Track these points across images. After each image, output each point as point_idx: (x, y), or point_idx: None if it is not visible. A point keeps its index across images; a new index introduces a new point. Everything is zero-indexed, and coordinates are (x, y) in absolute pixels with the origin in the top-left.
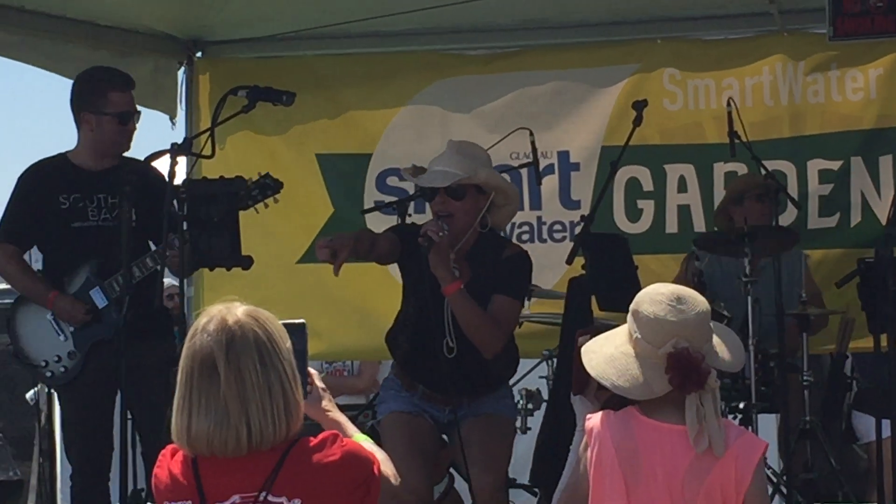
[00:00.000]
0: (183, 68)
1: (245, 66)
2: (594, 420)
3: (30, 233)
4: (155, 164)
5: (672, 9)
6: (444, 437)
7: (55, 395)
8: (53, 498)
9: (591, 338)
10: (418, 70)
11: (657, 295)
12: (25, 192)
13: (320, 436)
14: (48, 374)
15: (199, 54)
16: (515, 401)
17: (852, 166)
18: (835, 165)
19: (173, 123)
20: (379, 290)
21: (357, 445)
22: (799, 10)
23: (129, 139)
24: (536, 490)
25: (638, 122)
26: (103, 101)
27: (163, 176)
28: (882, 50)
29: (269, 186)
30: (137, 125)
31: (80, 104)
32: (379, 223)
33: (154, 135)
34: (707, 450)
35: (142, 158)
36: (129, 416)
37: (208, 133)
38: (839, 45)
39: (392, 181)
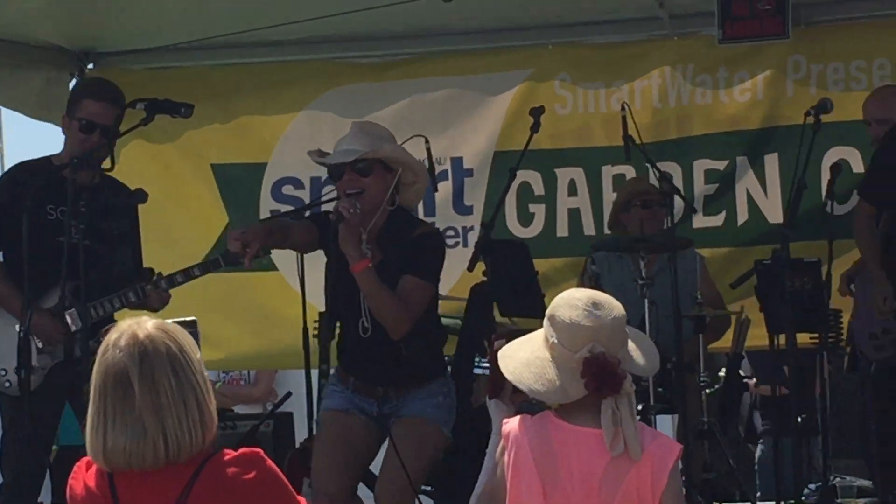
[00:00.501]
0: (74, 80)
1: (137, 77)
2: (511, 424)
3: (11, 238)
4: None
5: (563, 14)
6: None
7: None
8: None
9: (506, 342)
10: (312, 78)
11: (574, 300)
12: (10, 198)
13: (240, 451)
14: (6, 383)
15: (90, 66)
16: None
17: (738, 166)
18: (721, 165)
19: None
20: (277, 299)
21: (277, 470)
22: (688, 14)
23: (90, 150)
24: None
25: (536, 128)
26: (77, 106)
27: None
28: (770, 51)
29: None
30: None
31: (66, 108)
32: None
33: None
34: (623, 453)
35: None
36: None
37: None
38: (728, 47)
39: (287, 190)
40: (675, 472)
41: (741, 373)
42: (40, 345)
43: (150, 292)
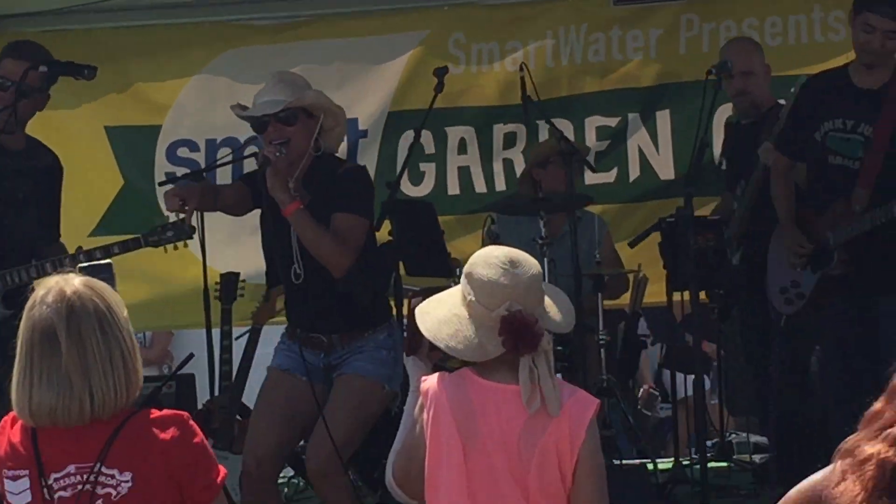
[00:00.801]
0: None
1: (36, 39)
2: (430, 381)
3: None
4: None
5: None
6: None
7: None
8: None
9: (422, 300)
10: (206, 41)
11: (491, 258)
12: None
13: (165, 411)
14: None
15: None
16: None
17: (630, 123)
18: (612, 122)
19: None
20: (172, 261)
21: (199, 434)
22: None
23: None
24: None
25: (440, 88)
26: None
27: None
28: (663, 11)
29: (184, 231)
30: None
31: None
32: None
33: None
34: (541, 409)
35: None
36: None
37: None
38: (622, 8)
39: (182, 152)
40: (593, 427)
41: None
42: None
43: (67, 265)
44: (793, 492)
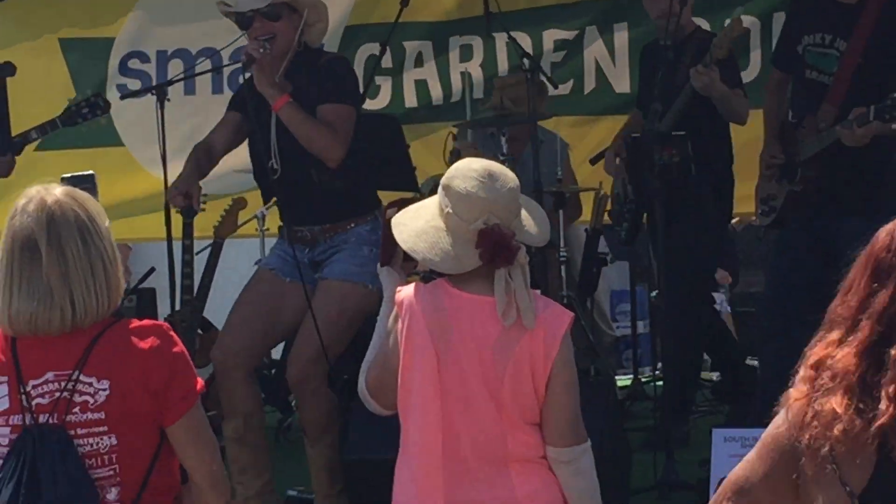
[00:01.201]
0: None
1: None
2: (405, 292)
3: None
4: None
5: None
6: None
7: None
8: None
9: (398, 210)
10: None
11: (469, 171)
12: None
13: (147, 321)
14: None
15: None
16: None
17: (586, 35)
18: (570, 35)
19: None
20: (126, 174)
21: (180, 344)
22: None
23: None
24: None
25: (405, 2)
26: None
27: None
28: None
29: (99, 106)
30: None
31: None
32: (127, 107)
33: None
34: (516, 322)
35: None
36: None
37: None
38: None
39: (133, 64)
40: (567, 340)
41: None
42: None
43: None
44: (752, 457)
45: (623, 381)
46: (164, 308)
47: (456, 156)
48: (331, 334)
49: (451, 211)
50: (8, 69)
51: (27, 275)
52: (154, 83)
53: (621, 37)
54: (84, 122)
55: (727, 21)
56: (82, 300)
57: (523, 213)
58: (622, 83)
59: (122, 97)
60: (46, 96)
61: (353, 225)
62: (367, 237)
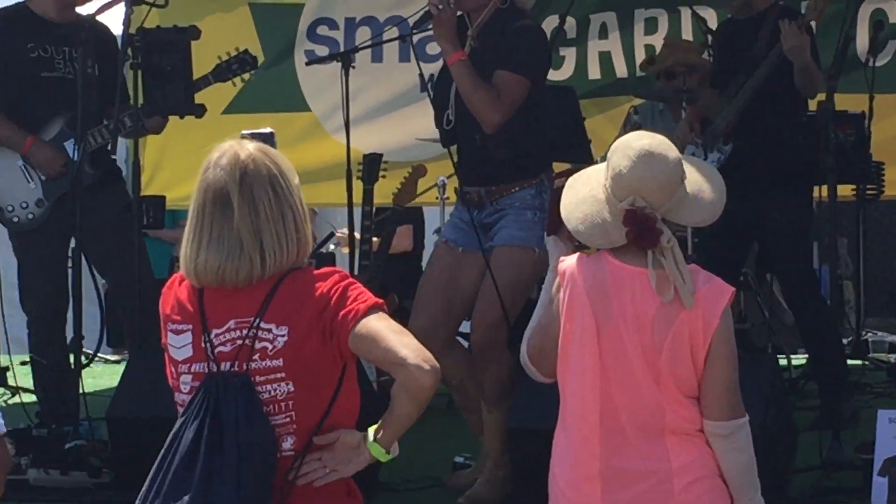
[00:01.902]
0: None
1: None
2: (568, 262)
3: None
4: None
5: None
6: None
7: None
8: None
9: (565, 181)
10: None
11: (629, 148)
12: None
13: (326, 269)
14: (14, 218)
15: None
16: None
17: None
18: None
19: None
20: (312, 140)
21: (357, 284)
22: None
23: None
24: None
25: None
26: None
27: (113, 33)
28: None
29: (247, 62)
30: None
31: None
32: (314, 73)
33: None
34: (675, 297)
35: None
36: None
37: None
38: None
39: (322, 30)
40: (727, 315)
41: None
42: (43, 178)
43: (147, 117)
44: None
45: (799, 360)
46: None
47: (636, 128)
48: (507, 299)
49: (607, 185)
50: (193, 32)
51: (217, 227)
52: (341, 49)
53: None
54: (234, 77)
55: None
56: (273, 252)
57: (691, 188)
58: None
59: (308, 63)
60: None
61: (516, 189)
62: (531, 202)
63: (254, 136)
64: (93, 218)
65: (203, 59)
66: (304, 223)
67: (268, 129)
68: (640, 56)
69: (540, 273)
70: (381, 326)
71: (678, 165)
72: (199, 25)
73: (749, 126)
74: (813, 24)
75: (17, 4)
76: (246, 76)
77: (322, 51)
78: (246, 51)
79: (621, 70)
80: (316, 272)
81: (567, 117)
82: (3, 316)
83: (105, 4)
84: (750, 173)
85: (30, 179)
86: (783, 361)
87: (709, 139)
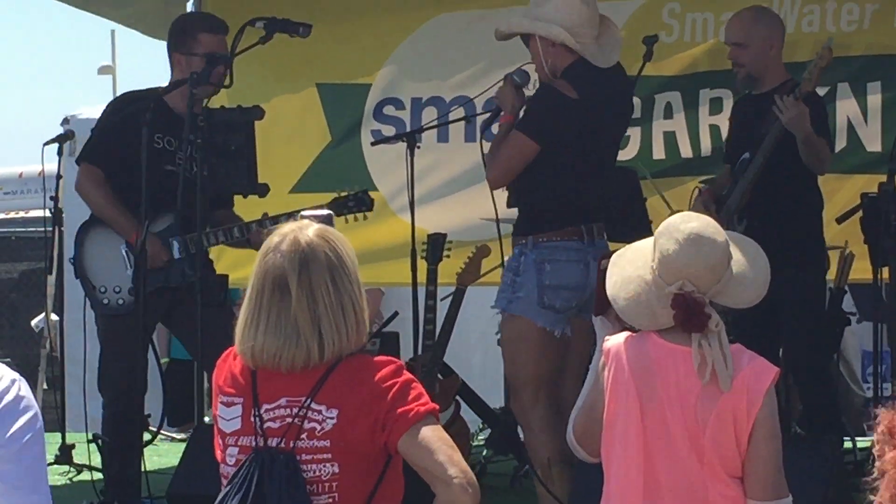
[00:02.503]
0: (192, 0)
1: None
2: (613, 341)
3: (118, 161)
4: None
5: None
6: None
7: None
8: (63, 424)
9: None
10: (424, 4)
11: (676, 231)
12: (121, 121)
13: (382, 357)
14: (104, 300)
15: None
16: None
17: (839, 91)
18: (821, 91)
19: None
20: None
21: (413, 379)
22: None
23: (219, 82)
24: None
25: (649, 56)
26: (193, 42)
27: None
28: None
29: (364, 203)
30: (228, 71)
31: (173, 45)
32: (381, 152)
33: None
34: (715, 378)
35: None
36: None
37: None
38: None
39: (388, 110)
40: (771, 395)
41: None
42: None
43: (254, 231)
44: None
45: (864, 441)
46: (406, 352)
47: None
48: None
49: (654, 266)
50: (257, 112)
51: (276, 313)
52: (407, 129)
53: (874, 95)
54: (349, 214)
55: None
56: (332, 341)
57: (736, 271)
58: (874, 142)
59: (374, 143)
60: (301, 139)
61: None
62: (511, 263)
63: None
64: (187, 308)
65: (269, 138)
66: (362, 310)
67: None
68: (704, 136)
69: (516, 336)
70: (435, 437)
71: (726, 248)
72: (265, 105)
73: (760, 203)
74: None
75: (153, 92)
76: (315, 153)
77: (388, 130)
78: (365, 191)
79: (686, 150)
80: (374, 359)
81: (629, 197)
82: (83, 395)
83: (172, 85)
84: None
85: (128, 266)
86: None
87: (724, 218)
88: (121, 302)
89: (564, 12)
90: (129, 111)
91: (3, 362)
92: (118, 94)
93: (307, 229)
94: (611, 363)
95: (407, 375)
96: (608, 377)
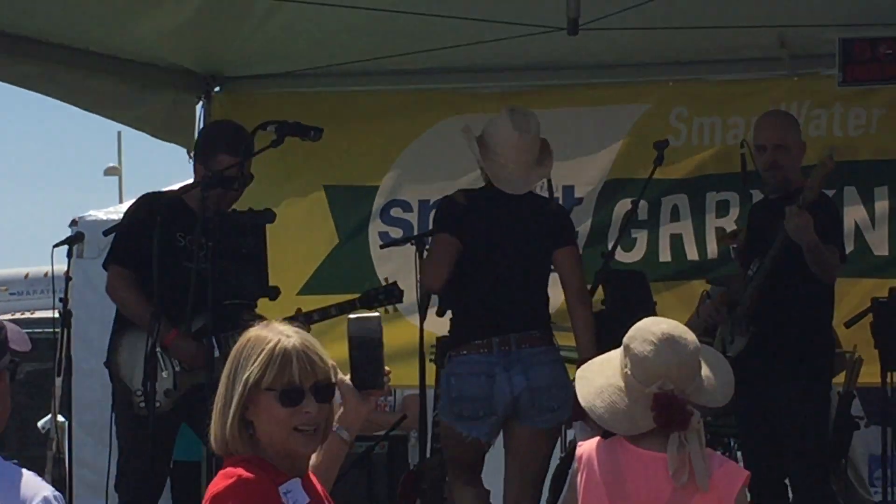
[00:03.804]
0: (201, 102)
1: (263, 100)
2: (585, 447)
3: (145, 261)
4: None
5: (685, 52)
6: None
7: (66, 423)
8: None
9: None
10: (431, 106)
11: (649, 334)
12: (143, 221)
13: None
14: (141, 403)
15: (217, 89)
16: None
17: (846, 195)
18: (828, 193)
19: (190, 156)
20: (388, 323)
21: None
22: (809, 56)
23: (233, 201)
24: None
25: (659, 161)
26: (212, 159)
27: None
28: (888, 90)
29: (394, 295)
30: (246, 188)
31: (196, 153)
32: (388, 254)
33: (174, 167)
34: (690, 481)
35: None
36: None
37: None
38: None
39: (396, 212)
40: (742, 497)
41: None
42: (178, 368)
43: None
44: None
45: None
46: (415, 455)
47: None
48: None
49: (628, 372)
50: (269, 216)
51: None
52: (415, 232)
53: (881, 199)
54: (380, 306)
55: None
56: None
57: (705, 371)
58: (881, 246)
59: (383, 246)
60: (309, 241)
61: None
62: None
63: (360, 320)
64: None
65: (278, 240)
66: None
67: (375, 314)
68: (711, 239)
69: (443, 436)
70: None
71: (697, 348)
72: (275, 208)
73: (769, 309)
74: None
75: (170, 192)
76: (323, 255)
77: (395, 232)
78: (395, 283)
79: (692, 253)
80: (225, 471)
81: (638, 302)
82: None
83: (184, 188)
84: (768, 359)
85: (164, 368)
86: None
87: (735, 322)
88: (158, 404)
89: (493, 136)
90: (148, 212)
91: (12, 463)
92: (124, 195)
93: (287, 331)
94: (583, 468)
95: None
96: (580, 482)
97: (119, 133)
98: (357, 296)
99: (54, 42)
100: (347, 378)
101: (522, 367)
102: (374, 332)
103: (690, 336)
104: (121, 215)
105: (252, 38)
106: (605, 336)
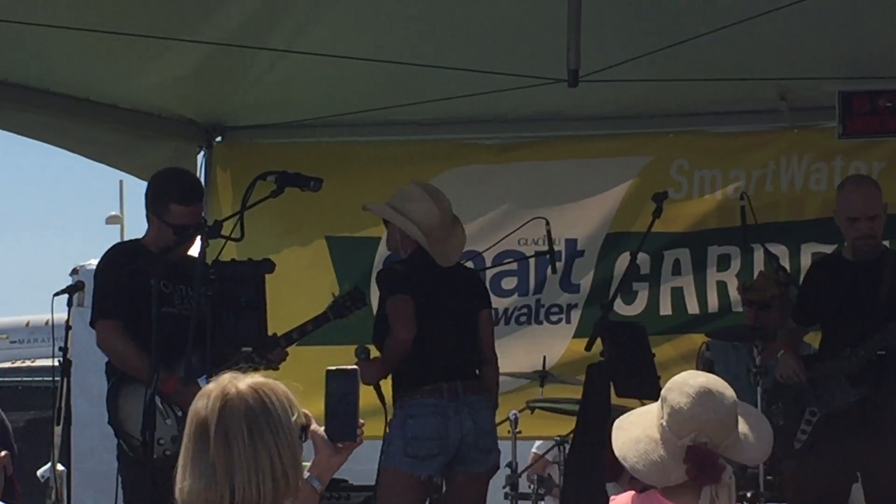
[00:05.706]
0: (202, 152)
1: (264, 150)
2: (619, 500)
3: (127, 309)
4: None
5: (685, 105)
6: None
7: (65, 472)
8: None
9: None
10: (432, 157)
11: (686, 386)
12: (117, 271)
13: None
14: (153, 455)
15: (218, 139)
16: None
17: None
18: (829, 249)
19: None
20: None
21: None
22: (809, 108)
23: (187, 249)
24: None
25: (658, 213)
26: (164, 210)
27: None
28: (888, 144)
29: (359, 300)
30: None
31: (148, 203)
32: None
33: None
34: None
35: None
36: None
37: (236, 216)
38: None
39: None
40: None
41: None
42: (180, 413)
43: (266, 353)
44: None
45: None
46: None
47: (707, 365)
48: None
49: (664, 423)
50: (268, 266)
51: (199, 457)
52: None
53: None
54: (349, 314)
55: None
56: (242, 490)
57: (743, 427)
58: None
59: None
60: (310, 291)
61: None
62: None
63: (338, 372)
64: None
65: (278, 290)
66: (283, 465)
67: (352, 367)
68: (712, 293)
69: (386, 484)
70: None
71: (734, 403)
72: (275, 258)
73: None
74: None
75: (131, 241)
76: (324, 306)
77: None
78: (356, 287)
79: (693, 307)
80: None
81: (637, 353)
82: None
83: (182, 238)
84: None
85: (167, 416)
86: None
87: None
88: (167, 453)
89: (422, 215)
90: (122, 264)
91: None
92: None
93: (242, 379)
94: None
95: None
96: None
97: (121, 182)
98: (325, 310)
99: (57, 92)
100: (322, 429)
101: (470, 410)
102: (351, 386)
103: (729, 391)
104: None
105: (253, 89)
106: (604, 387)
